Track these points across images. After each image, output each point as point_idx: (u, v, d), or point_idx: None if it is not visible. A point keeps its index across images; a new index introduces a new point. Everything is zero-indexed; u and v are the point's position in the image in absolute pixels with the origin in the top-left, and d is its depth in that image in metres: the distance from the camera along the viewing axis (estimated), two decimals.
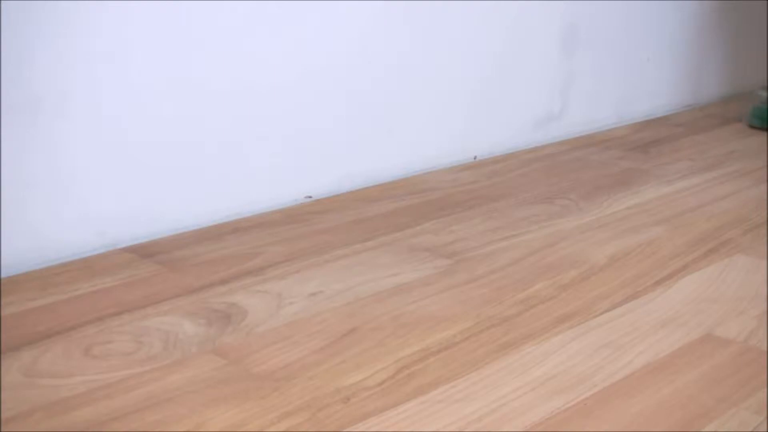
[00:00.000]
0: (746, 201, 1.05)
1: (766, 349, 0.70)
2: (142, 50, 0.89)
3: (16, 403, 0.61)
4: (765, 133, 1.39)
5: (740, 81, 1.70)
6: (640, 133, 1.39)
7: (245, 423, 0.59)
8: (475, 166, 1.20)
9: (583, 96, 1.39)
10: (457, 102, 1.22)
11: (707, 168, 1.20)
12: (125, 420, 0.59)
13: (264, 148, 1.01)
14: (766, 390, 0.64)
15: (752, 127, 1.42)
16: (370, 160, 1.12)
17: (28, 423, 0.59)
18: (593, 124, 1.41)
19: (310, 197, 1.06)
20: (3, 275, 0.82)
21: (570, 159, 1.24)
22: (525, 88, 1.30)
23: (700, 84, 1.62)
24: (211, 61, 0.95)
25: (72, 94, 0.85)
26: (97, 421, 0.59)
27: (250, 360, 0.67)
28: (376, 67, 1.11)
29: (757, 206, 1.02)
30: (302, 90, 1.04)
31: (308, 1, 1.01)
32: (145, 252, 0.88)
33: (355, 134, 1.10)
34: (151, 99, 0.91)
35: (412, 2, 1.12)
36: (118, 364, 0.66)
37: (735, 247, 0.91)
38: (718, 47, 1.63)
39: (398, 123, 1.15)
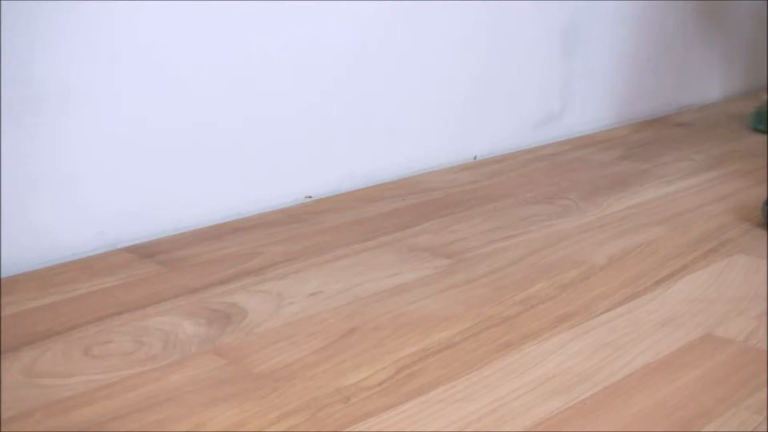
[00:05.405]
0: (746, 201, 1.05)
1: (766, 349, 0.70)
2: (143, 51, 0.89)
3: (16, 403, 0.61)
4: (765, 133, 1.38)
5: (740, 81, 1.70)
6: (640, 133, 1.39)
7: (245, 423, 0.59)
8: (475, 166, 1.20)
9: (583, 96, 1.39)
10: (457, 102, 1.22)
11: (707, 168, 1.20)
12: (125, 420, 0.59)
13: (264, 148, 1.01)
14: (766, 390, 0.64)
15: (756, 130, 1.41)
16: (370, 160, 1.12)
17: (28, 423, 0.59)
18: (593, 124, 1.41)
19: (310, 197, 1.06)
20: (3, 275, 0.82)
21: (570, 159, 1.24)
22: (525, 88, 1.30)
23: (700, 84, 1.62)
24: (211, 62, 0.95)
25: (73, 94, 0.85)
26: (97, 421, 0.59)
27: (250, 360, 0.67)
28: (376, 67, 1.11)
29: (757, 206, 1.02)
30: (302, 90, 1.04)
31: (309, 1, 1.01)
32: (145, 252, 0.88)
33: (355, 134, 1.10)
34: (151, 100, 0.91)
35: (412, 2, 1.12)
36: (118, 364, 0.66)
37: (735, 247, 0.91)
38: (718, 48, 1.63)
39: (398, 123, 1.15)
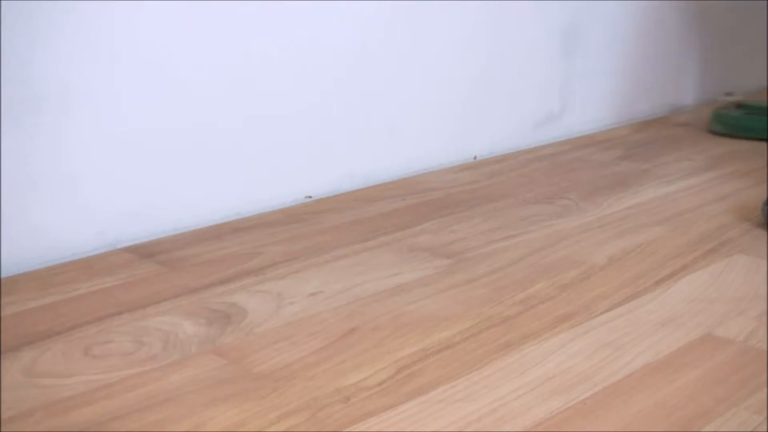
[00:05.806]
0: (746, 201, 1.05)
1: (766, 349, 0.70)
2: (143, 51, 0.89)
3: (16, 403, 0.61)
4: (722, 136, 1.37)
5: (740, 81, 1.70)
6: (640, 133, 1.39)
7: (245, 423, 0.59)
8: (475, 166, 1.20)
9: (583, 96, 1.39)
10: (457, 102, 1.22)
11: (707, 168, 1.20)
12: (125, 420, 0.59)
13: (264, 148, 1.01)
14: (766, 390, 0.63)
15: (713, 132, 1.39)
16: (370, 160, 1.12)
17: (28, 423, 0.59)
18: (593, 124, 1.41)
19: (310, 197, 1.06)
20: (3, 275, 0.82)
21: (570, 159, 1.24)
22: (525, 88, 1.30)
23: (700, 84, 1.62)
24: (211, 62, 0.95)
25: (73, 94, 0.85)
26: (97, 421, 0.59)
27: (250, 360, 0.67)
28: (376, 66, 1.11)
29: (757, 206, 1.02)
30: (302, 90, 1.04)
31: (309, 1, 1.01)
32: (145, 252, 0.88)
33: (355, 134, 1.10)
34: (151, 100, 0.91)
35: (412, 2, 1.12)
36: (118, 364, 0.66)
37: (735, 247, 0.91)
38: (718, 47, 1.63)
39: (398, 123, 1.15)
